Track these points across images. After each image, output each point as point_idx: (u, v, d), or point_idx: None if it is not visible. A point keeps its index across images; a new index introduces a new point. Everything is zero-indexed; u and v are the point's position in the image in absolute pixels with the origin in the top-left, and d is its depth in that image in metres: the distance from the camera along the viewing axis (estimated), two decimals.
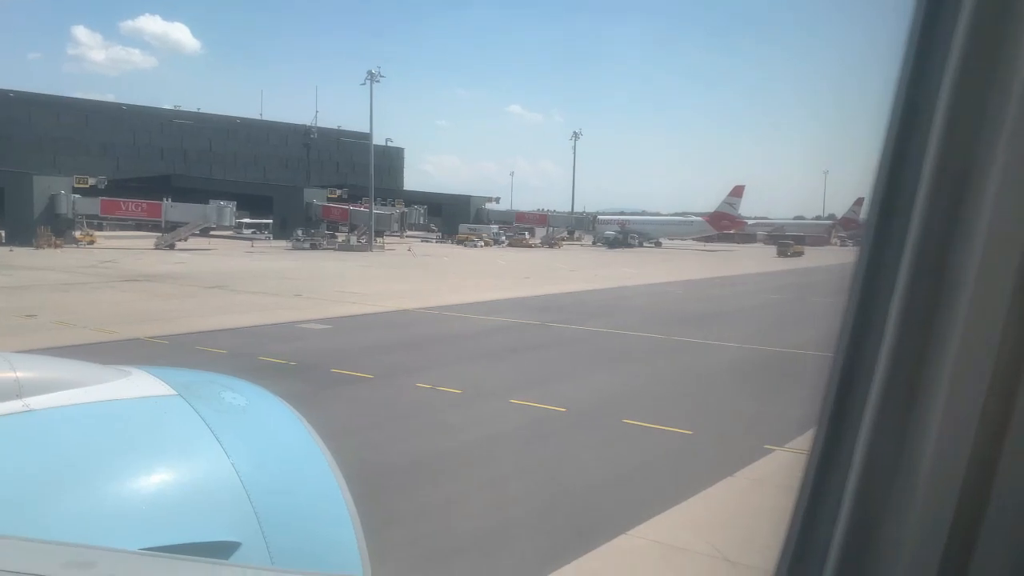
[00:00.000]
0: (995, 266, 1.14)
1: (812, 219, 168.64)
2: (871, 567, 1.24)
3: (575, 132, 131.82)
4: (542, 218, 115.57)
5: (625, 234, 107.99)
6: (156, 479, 2.14)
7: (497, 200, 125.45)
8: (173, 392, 2.50)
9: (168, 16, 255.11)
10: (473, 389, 18.61)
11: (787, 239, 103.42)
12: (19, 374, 2.38)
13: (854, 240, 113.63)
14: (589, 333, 28.51)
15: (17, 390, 2.31)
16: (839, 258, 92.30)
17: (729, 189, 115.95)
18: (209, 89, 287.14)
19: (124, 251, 67.56)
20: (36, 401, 2.29)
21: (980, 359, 1.15)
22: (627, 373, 21.54)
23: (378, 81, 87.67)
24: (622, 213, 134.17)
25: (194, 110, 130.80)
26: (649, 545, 10.22)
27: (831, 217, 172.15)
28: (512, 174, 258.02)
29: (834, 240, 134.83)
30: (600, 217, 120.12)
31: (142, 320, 28.26)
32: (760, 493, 12.40)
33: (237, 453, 2.25)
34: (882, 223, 1.29)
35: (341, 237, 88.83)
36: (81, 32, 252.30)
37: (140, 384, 2.56)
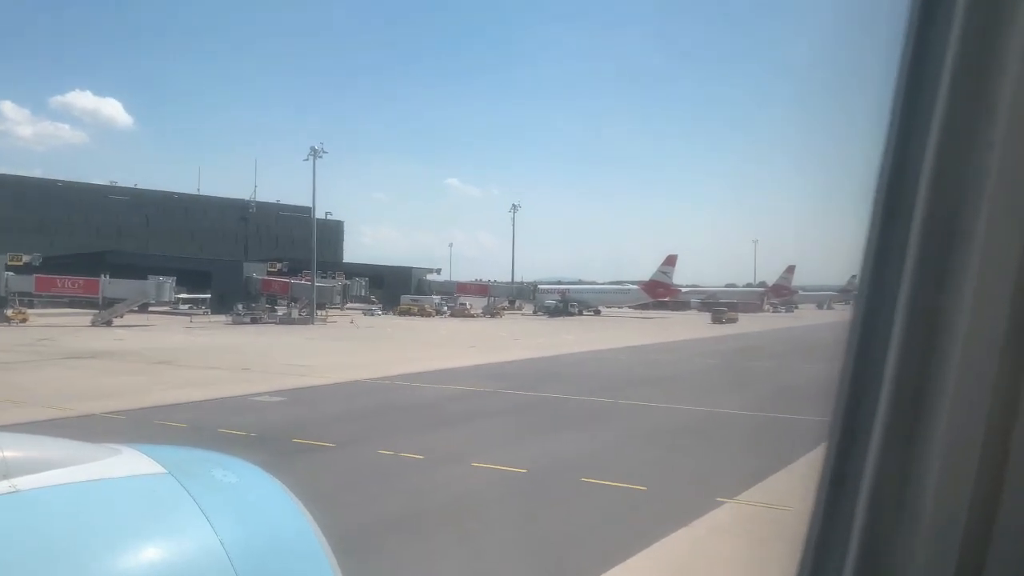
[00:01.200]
0: (992, 287, 1.19)
1: (743, 286, 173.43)
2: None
3: (514, 205, 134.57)
4: (483, 288, 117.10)
5: (565, 303, 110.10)
6: (144, 561, 2.11)
7: (438, 271, 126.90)
8: (163, 471, 2.48)
9: (100, 92, 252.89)
10: (434, 455, 19.23)
11: (721, 306, 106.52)
12: (5, 453, 2.36)
13: (786, 307, 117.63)
14: (541, 399, 29.37)
15: (4, 470, 2.28)
16: (772, 324, 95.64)
17: (663, 258, 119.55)
18: (143, 164, 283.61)
19: (60, 328, 66.24)
20: (23, 481, 2.26)
21: (982, 373, 1.18)
22: (581, 436, 22.40)
23: (321, 156, 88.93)
24: (559, 282, 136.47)
25: (131, 185, 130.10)
26: None
27: (762, 284, 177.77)
28: (451, 245, 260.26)
29: (766, 307, 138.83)
30: (540, 286, 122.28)
31: (95, 397, 28.12)
32: (716, 540, 13.34)
33: (226, 532, 2.24)
34: (883, 239, 1.34)
35: (281, 311, 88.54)
36: (7, 107, 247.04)
37: (130, 463, 2.52)
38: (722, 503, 15.30)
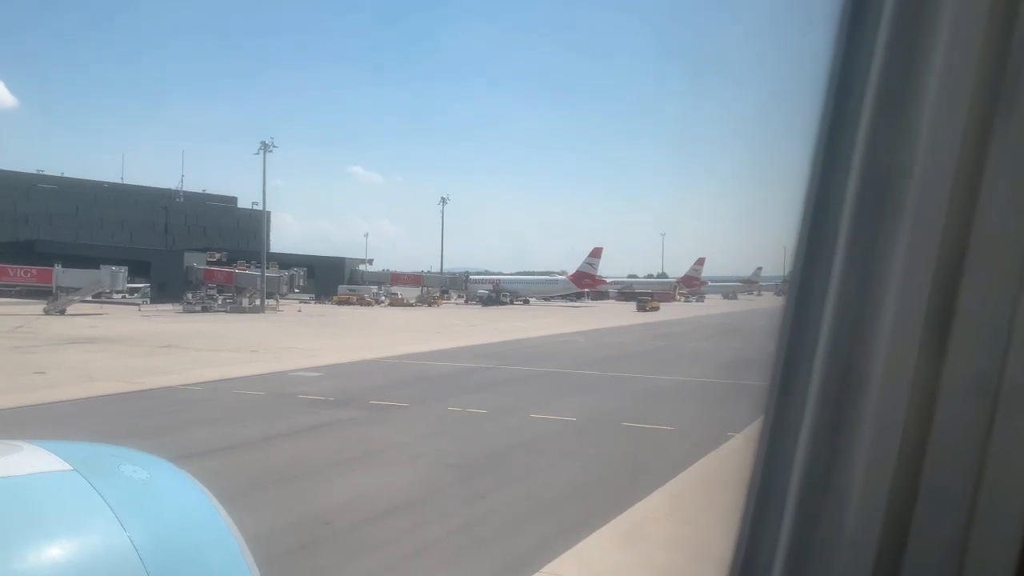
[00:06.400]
0: (913, 281, 1.30)
1: (643, 276, 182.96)
2: (814, 559, 1.38)
3: (443, 197, 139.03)
4: (417, 279, 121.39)
5: (498, 292, 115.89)
6: (50, 562, 2.03)
7: (370, 262, 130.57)
8: (69, 467, 2.35)
9: None
10: (494, 410, 24.24)
11: (645, 295, 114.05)
12: None
13: (696, 297, 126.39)
14: (540, 373, 34.62)
15: None
16: (689, 312, 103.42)
17: (568, 249, 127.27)
18: (31, 147, 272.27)
19: (17, 317, 67.22)
20: None
21: (903, 363, 1.29)
22: (598, 396, 27.76)
23: (271, 151, 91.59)
24: (467, 272, 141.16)
25: (58, 174, 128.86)
26: (696, 477, 16.46)
27: (662, 275, 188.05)
28: (367, 235, 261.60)
29: (678, 297, 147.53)
30: (472, 277, 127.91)
31: (150, 373, 31.58)
32: (745, 454, 18.91)
33: (136, 530, 2.16)
34: (813, 231, 1.42)
35: (220, 299, 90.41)
36: None
37: (33, 460, 2.42)
38: (732, 436, 20.90)
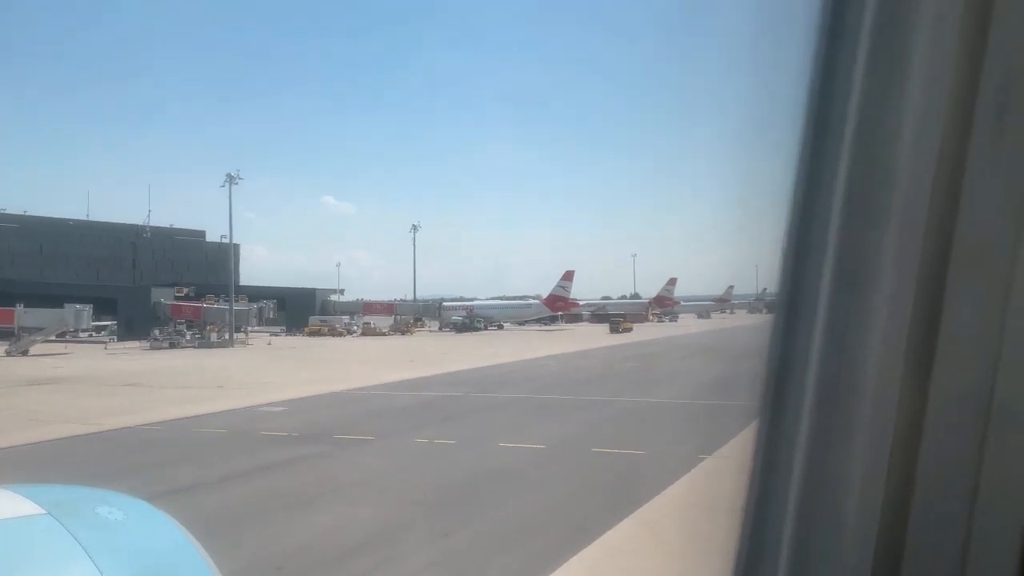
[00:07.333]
0: (899, 289, 1.32)
1: (617, 298, 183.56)
2: (814, 562, 1.40)
3: (414, 225, 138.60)
4: (390, 307, 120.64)
5: (471, 319, 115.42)
6: None
7: (341, 292, 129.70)
8: (42, 511, 2.33)
9: None
10: (462, 440, 23.71)
11: (617, 317, 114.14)
12: None
13: (669, 317, 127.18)
14: (510, 399, 34.13)
15: None
16: (662, 332, 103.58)
17: (544, 273, 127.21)
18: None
19: None
20: None
21: (891, 369, 1.31)
22: (569, 422, 27.30)
23: (236, 183, 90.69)
24: (442, 299, 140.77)
25: (20, 212, 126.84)
26: (669, 502, 16.03)
27: (635, 295, 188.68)
28: (339, 265, 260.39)
29: (651, 317, 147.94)
30: (445, 304, 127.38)
31: (110, 414, 30.66)
32: (713, 479, 18.56)
33: (112, 571, 2.12)
34: (799, 245, 1.44)
35: (188, 335, 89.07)
36: None
37: (5, 504, 2.38)
38: (704, 458, 20.53)
